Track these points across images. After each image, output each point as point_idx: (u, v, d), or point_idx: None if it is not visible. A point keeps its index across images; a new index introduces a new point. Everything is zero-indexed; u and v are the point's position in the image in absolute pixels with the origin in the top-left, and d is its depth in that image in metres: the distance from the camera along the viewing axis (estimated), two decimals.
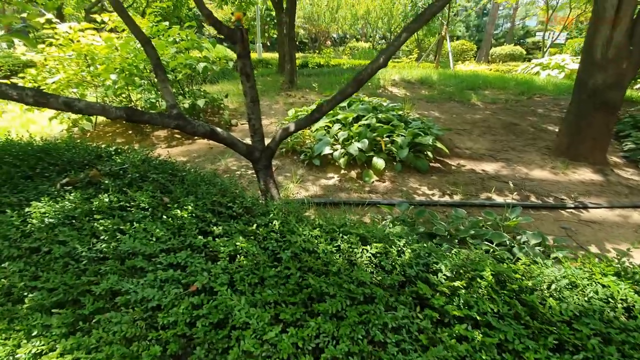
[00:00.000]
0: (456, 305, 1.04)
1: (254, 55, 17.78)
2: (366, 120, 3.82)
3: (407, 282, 1.14)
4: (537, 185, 3.38)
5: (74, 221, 1.48)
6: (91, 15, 6.87)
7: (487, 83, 8.00)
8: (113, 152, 2.26)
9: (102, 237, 1.36)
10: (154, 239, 1.32)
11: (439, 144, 3.68)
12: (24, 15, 2.42)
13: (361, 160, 3.42)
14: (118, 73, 4.17)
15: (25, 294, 1.14)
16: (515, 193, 3.17)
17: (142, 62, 4.23)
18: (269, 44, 26.11)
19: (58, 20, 3.71)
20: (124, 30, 5.22)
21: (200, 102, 4.09)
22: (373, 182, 3.29)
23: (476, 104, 6.50)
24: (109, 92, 3.87)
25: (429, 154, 3.62)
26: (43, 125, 5.02)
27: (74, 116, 4.28)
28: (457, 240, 2.20)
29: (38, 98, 1.37)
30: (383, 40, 28.28)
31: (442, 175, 3.49)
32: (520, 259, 1.27)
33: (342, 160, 3.35)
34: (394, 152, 3.53)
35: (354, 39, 27.22)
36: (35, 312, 1.06)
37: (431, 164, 3.66)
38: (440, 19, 16.67)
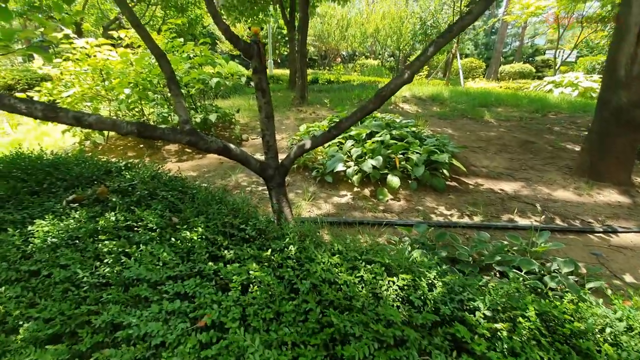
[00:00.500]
0: (500, 351, 0.91)
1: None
2: (380, 136, 3.73)
3: (441, 322, 1.01)
4: (561, 206, 3.21)
5: (77, 241, 1.40)
6: (109, 32, 7.04)
7: (500, 100, 7.91)
8: (123, 168, 2.20)
9: (105, 261, 1.27)
10: (161, 264, 1.23)
11: (455, 162, 3.56)
12: (42, 29, 2.42)
13: (375, 178, 3.32)
14: (132, 87, 4.20)
15: (21, 322, 1.04)
16: (539, 215, 3.01)
17: (155, 77, 4.25)
18: (279, 61, 26.64)
19: (76, 36, 3.77)
20: (139, 46, 5.31)
21: (212, 117, 4.07)
22: (388, 200, 3.17)
23: (490, 121, 6.39)
24: (121, 106, 3.88)
25: (445, 172, 3.50)
26: (56, 138, 5.07)
27: (86, 129, 4.30)
28: (481, 267, 2.05)
29: (47, 112, 1.32)
30: (392, 58, 28.61)
31: (460, 195, 3.35)
32: (566, 296, 1.13)
33: (355, 178, 3.25)
34: (408, 170, 3.42)
35: (363, 57, 27.59)
36: (30, 344, 0.96)
37: (447, 183, 3.53)
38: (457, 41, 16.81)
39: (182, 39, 4.87)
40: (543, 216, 2.87)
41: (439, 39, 1.34)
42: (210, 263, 1.19)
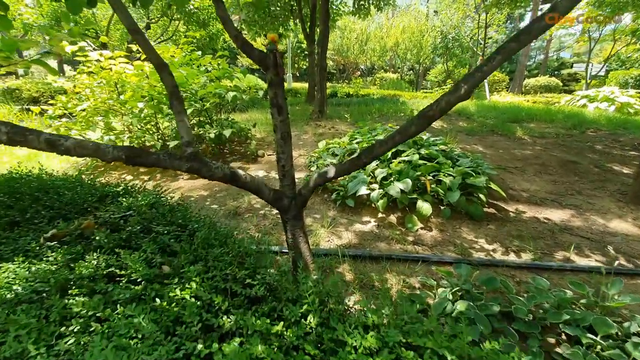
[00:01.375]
0: None
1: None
2: (407, 156, 3.38)
3: None
4: (621, 242, 2.75)
5: (44, 295, 1.12)
6: (129, 45, 7.09)
7: (532, 115, 7.41)
8: (120, 193, 1.95)
9: (72, 328, 0.97)
10: (139, 337, 0.92)
11: (493, 186, 3.16)
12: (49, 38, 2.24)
13: (403, 204, 2.96)
14: (147, 101, 4.06)
15: None
16: (599, 252, 2.57)
17: None
18: (298, 75, 26.84)
19: (90, 47, 3.68)
20: None
21: (227, 132, 3.85)
22: (417, 230, 2.80)
23: (523, 138, 5.92)
24: (134, 121, 3.73)
25: (482, 197, 3.10)
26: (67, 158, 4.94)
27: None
28: (543, 326, 1.65)
29: (13, 135, 1.06)
30: (411, 72, 28.30)
31: (501, 224, 2.94)
32: None
33: (380, 203, 2.90)
34: (440, 195, 3.04)
35: (382, 70, 27.44)
36: None
37: (485, 209, 3.13)
38: (475, 50, 16.38)
39: (200, 52, 4.74)
40: (617, 261, 2.40)
41: (510, 43, 1.01)
42: (200, 346, 0.87)
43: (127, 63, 3.99)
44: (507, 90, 24.40)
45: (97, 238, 1.36)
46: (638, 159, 4.65)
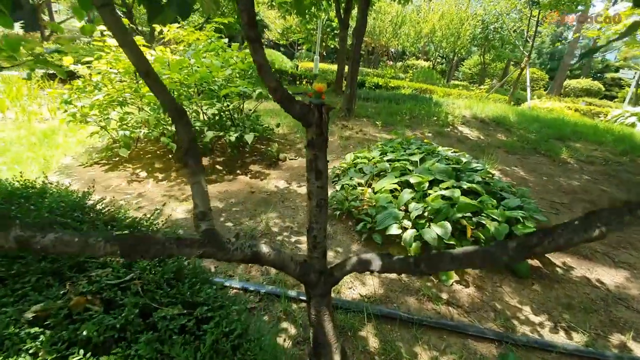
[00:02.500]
0: None
1: (309, 65, 17.42)
2: (446, 188, 3.02)
3: None
4: None
5: None
6: (153, 26, 6.72)
7: (577, 133, 6.78)
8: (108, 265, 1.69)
9: None
10: None
11: None
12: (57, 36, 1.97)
13: (438, 250, 2.63)
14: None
15: None
16: None
17: (193, 84, 3.78)
18: (325, 54, 25.89)
19: (109, 34, 3.37)
20: (181, 41, 4.88)
21: (249, 138, 3.54)
22: (452, 284, 2.48)
23: (568, 162, 5.39)
24: (150, 118, 3.46)
25: None
26: (83, 140, 4.64)
27: (107, 140, 3.92)
28: None
29: None
30: (444, 60, 26.87)
31: (547, 285, 2.59)
32: None
33: (413, 247, 2.58)
34: (481, 241, 2.70)
35: (414, 57, 26.17)
36: None
37: (529, 261, 2.77)
38: (518, 44, 15.20)
39: (226, 40, 4.37)
40: None
41: None
42: None
43: (147, 49, 3.67)
44: (544, 90, 22.96)
45: (88, 319, 1.12)
46: None
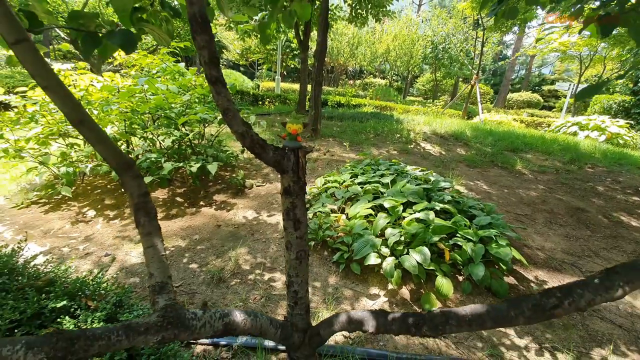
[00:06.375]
0: None
1: (270, 85, 17.37)
2: (420, 210, 2.98)
3: None
4: None
5: None
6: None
7: (528, 144, 7.26)
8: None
9: None
10: None
11: (515, 253, 2.81)
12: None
13: (419, 278, 2.55)
14: (120, 121, 3.44)
15: None
16: (635, 349, 2.26)
17: (147, 111, 3.48)
18: (285, 73, 26.13)
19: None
20: (134, 66, 4.56)
21: (212, 168, 3.28)
22: None
23: (524, 173, 5.69)
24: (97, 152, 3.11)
25: (503, 266, 2.75)
26: (18, 177, 4.07)
27: (46, 177, 3.49)
28: None
29: None
30: (399, 77, 28.21)
31: None
32: None
33: (394, 278, 2.47)
34: (458, 263, 2.66)
35: (371, 75, 27.22)
36: None
37: (504, 276, 2.78)
38: (465, 62, 16.32)
39: (183, 64, 4.14)
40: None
41: None
42: None
43: (95, 79, 3.34)
44: (491, 104, 24.77)
45: None
46: None
